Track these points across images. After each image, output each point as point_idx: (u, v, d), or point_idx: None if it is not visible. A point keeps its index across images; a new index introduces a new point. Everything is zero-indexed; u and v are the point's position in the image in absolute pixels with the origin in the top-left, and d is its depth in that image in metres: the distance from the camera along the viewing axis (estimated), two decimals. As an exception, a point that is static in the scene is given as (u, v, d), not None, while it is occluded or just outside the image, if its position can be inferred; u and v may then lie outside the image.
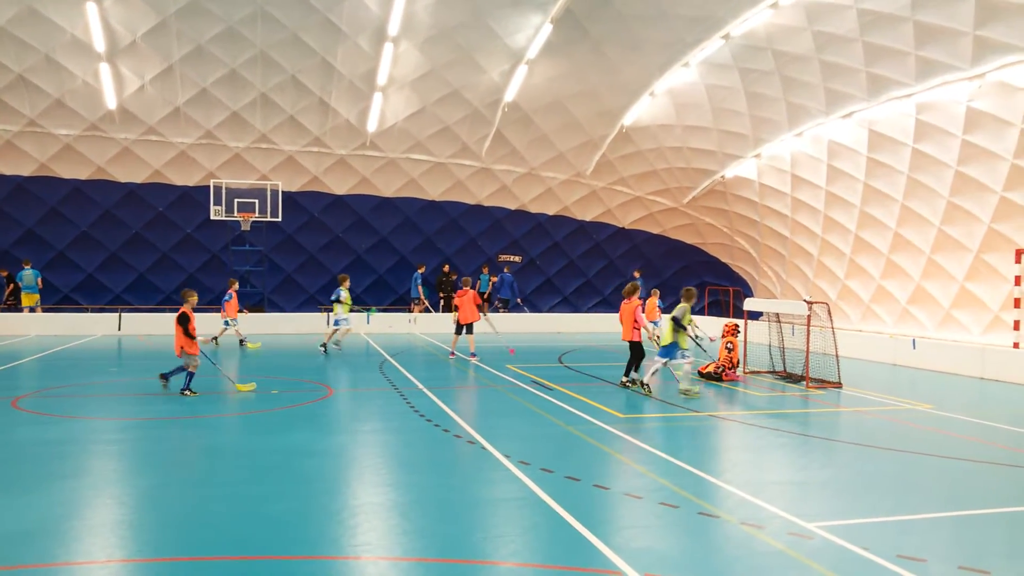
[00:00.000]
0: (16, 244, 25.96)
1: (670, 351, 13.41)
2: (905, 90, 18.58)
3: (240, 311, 21.73)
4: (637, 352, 14.13)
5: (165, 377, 13.02)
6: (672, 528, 6.41)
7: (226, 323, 20.83)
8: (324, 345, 19.67)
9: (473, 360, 18.01)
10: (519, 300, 29.60)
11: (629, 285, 14.56)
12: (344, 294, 19.68)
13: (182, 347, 12.45)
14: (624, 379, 14.31)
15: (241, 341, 21.23)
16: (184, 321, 12.44)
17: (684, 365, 13.35)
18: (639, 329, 14.11)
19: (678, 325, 13.30)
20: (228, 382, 13.39)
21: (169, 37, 21.15)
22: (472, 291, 18.73)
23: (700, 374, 15.60)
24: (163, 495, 7.16)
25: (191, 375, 12.53)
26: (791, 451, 9.58)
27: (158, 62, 22.11)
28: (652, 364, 13.75)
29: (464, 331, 18.40)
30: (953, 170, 19.18)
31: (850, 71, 19.11)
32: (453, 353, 18.90)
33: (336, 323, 19.68)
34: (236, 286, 21.54)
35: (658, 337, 14.62)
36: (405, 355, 19.27)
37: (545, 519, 6.54)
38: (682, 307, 13.48)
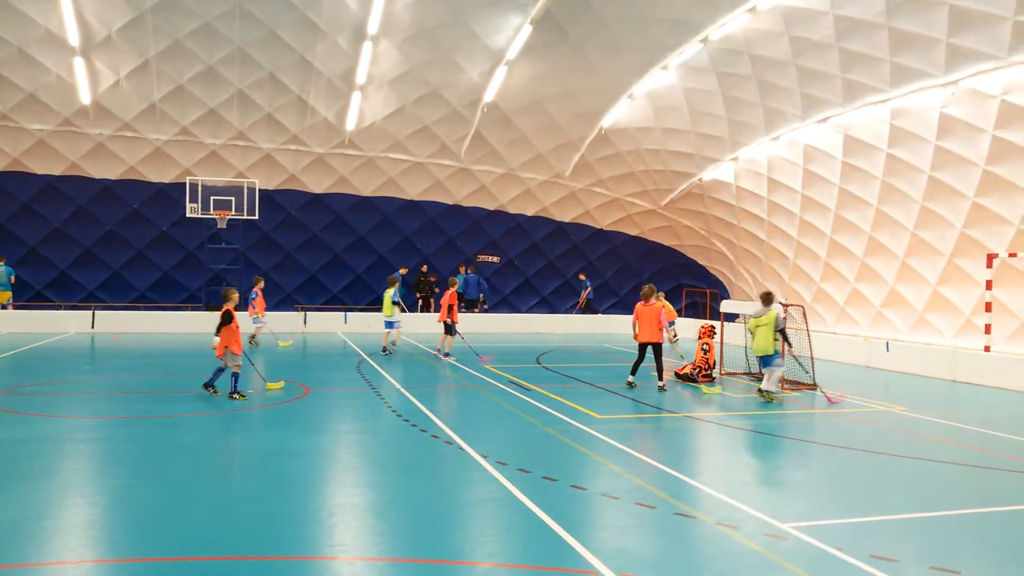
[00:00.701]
0: (-13, 240, 25.56)
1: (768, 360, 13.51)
2: (880, 96, 18.81)
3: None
4: (658, 352, 14.37)
5: (210, 385, 12.42)
6: (649, 529, 6.43)
7: (256, 320, 20.90)
8: (385, 348, 19.53)
9: (448, 359, 18.23)
10: (482, 300, 29.47)
11: (648, 287, 14.55)
12: (394, 296, 19.78)
13: (226, 347, 12.08)
14: (631, 379, 14.49)
15: (251, 338, 20.85)
16: (228, 319, 12.12)
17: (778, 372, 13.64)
18: (663, 330, 14.48)
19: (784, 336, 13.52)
20: (259, 380, 13.22)
21: (145, 32, 20.92)
22: (452, 291, 18.84)
23: (676, 375, 15.73)
24: (136, 495, 7.08)
25: (236, 376, 12.18)
26: (766, 452, 9.67)
27: (134, 57, 21.87)
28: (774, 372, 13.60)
29: (448, 331, 18.61)
30: (927, 175, 19.45)
31: (826, 76, 19.31)
32: (446, 354, 18.89)
33: (390, 325, 19.82)
34: (261, 284, 21.55)
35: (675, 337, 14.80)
36: (382, 355, 19.19)
37: (522, 520, 6.54)
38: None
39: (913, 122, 18.91)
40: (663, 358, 14.60)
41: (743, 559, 5.78)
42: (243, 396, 12.14)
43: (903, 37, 16.81)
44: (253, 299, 20.99)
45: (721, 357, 16.54)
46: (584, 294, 30.54)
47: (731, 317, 18.86)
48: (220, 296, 12.58)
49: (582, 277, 30.89)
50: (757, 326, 13.49)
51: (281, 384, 13.22)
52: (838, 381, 16.22)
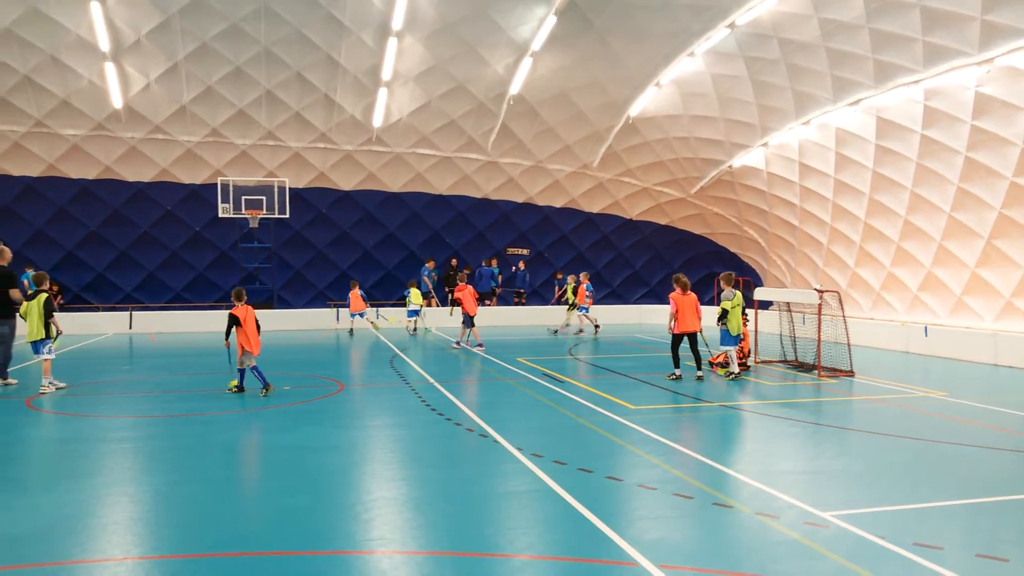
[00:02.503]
0: (26, 245, 26.05)
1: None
2: (913, 76, 18.45)
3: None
4: (695, 342, 14.19)
5: (240, 387, 12.64)
6: (687, 519, 6.39)
7: (354, 316, 23.83)
8: (459, 342, 20.11)
9: (457, 347, 18.97)
10: (496, 290, 29.37)
11: (684, 276, 14.32)
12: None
13: (242, 346, 12.27)
14: (677, 372, 14.12)
15: (351, 331, 24.10)
16: (235, 322, 12.35)
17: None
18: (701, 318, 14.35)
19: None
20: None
21: (174, 35, 21.17)
22: (470, 286, 19.73)
23: (710, 364, 15.59)
24: (177, 492, 7.18)
25: (243, 373, 12.53)
26: (804, 440, 9.55)
27: (163, 60, 22.13)
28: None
29: (469, 323, 19.16)
30: (962, 156, 19.06)
31: (857, 58, 18.99)
32: (458, 343, 19.51)
33: (413, 313, 23.66)
34: (357, 286, 24.27)
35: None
36: (416, 349, 19.28)
37: (559, 511, 6.53)
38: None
39: (948, 102, 18.53)
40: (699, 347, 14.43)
41: (783, 548, 5.72)
42: (242, 390, 12.45)
43: (935, 16, 16.47)
44: (356, 299, 23.77)
45: (756, 345, 16.37)
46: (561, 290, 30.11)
47: (765, 304, 18.65)
48: (236, 297, 12.81)
49: (559, 276, 30.24)
50: (734, 307, 14.27)
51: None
52: (876, 367, 15.99)
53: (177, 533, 6.10)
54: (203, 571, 5.33)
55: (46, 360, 12.75)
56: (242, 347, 12.28)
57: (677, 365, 14.20)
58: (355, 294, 23.83)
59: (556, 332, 24.33)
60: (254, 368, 12.35)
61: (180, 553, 5.64)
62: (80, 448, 8.99)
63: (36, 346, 12.78)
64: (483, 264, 29.12)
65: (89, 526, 6.25)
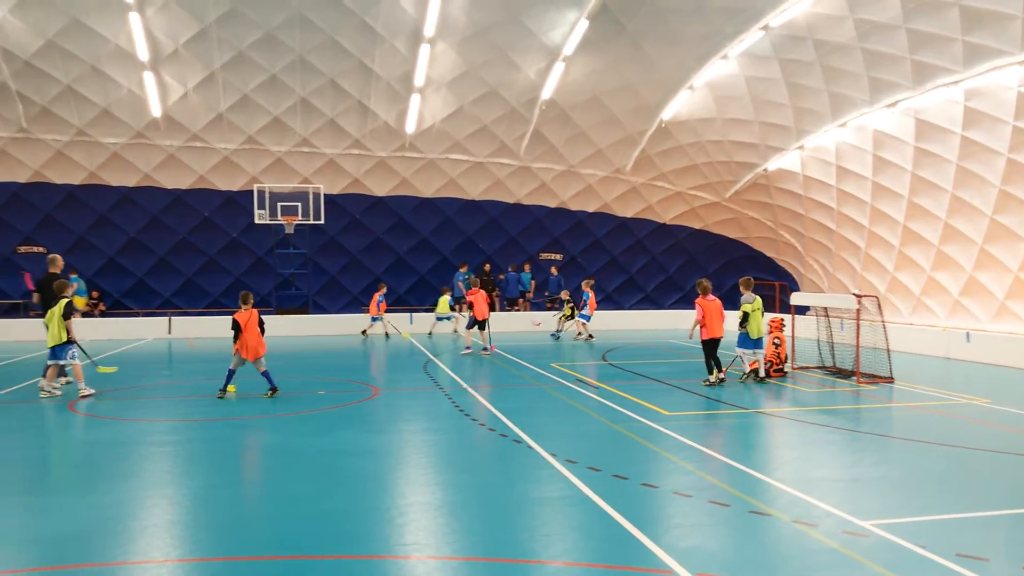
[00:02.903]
0: (68, 251, 26.58)
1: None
2: (952, 77, 18.11)
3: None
4: (716, 347, 14.13)
5: (272, 388, 12.81)
6: (723, 527, 6.32)
7: (372, 319, 24.34)
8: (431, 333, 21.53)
9: (487, 353, 19.22)
10: (527, 295, 29.34)
11: (706, 280, 14.31)
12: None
13: (238, 350, 12.57)
14: (721, 375, 14.10)
15: (363, 332, 24.79)
16: (261, 323, 12.75)
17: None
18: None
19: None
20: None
21: (210, 44, 21.50)
22: (483, 291, 20.13)
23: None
24: (215, 495, 7.26)
25: (232, 372, 12.78)
26: (843, 448, 9.41)
27: (200, 69, 22.49)
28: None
29: (480, 326, 19.64)
30: (1004, 157, 18.66)
31: (894, 59, 18.70)
32: (485, 349, 19.65)
33: (440, 319, 24.32)
34: (384, 290, 24.71)
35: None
36: (449, 354, 19.34)
37: (593, 518, 6.50)
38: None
39: (989, 102, 18.16)
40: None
41: (821, 557, 5.64)
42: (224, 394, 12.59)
43: (975, 15, 16.16)
44: (380, 302, 24.03)
45: (793, 351, 16.16)
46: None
47: (802, 310, 18.42)
48: (242, 300, 13.03)
49: (555, 271, 30.16)
50: (753, 310, 14.20)
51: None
52: (917, 373, 15.71)
53: (215, 536, 6.17)
54: (241, 574, 5.39)
55: (74, 364, 12.83)
56: (237, 351, 12.53)
57: (711, 372, 14.10)
58: (376, 297, 24.38)
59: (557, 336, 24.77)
60: (264, 372, 12.62)
61: (218, 556, 5.71)
62: (120, 451, 9.15)
63: (56, 351, 12.71)
64: (510, 269, 29.12)
65: (129, 528, 6.35)
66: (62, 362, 12.82)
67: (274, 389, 12.63)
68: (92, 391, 12.93)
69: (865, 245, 25.36)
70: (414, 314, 27.21)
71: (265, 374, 12.65)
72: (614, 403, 12.08)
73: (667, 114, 24.91)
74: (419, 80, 23.03)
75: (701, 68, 21.98)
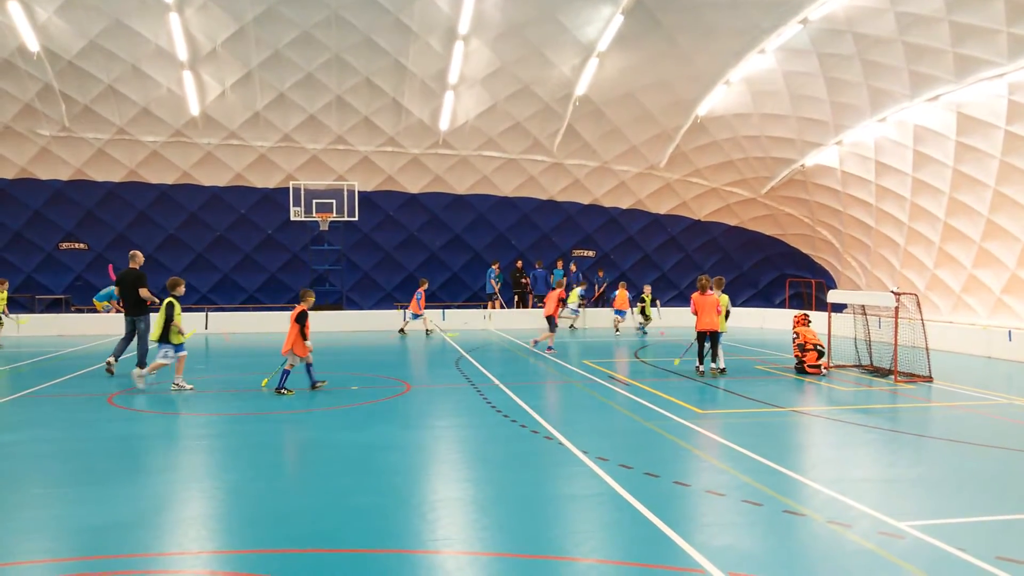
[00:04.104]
0: (108, 247, 27.12)
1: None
2: (996, 70, 17.72)
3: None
4: (715, 341, 15.07)
5: (315, 383, 13.07)
6: (756, 526, 6.25)
7: (414, 316, 23.87)
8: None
9: (546, 352, 18.78)
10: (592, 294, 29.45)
11: (704, 278, 15.11)
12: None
13: (292, 346, 12.67)
14: (713, 367, 15.01)
15: (428, 332, 24.16)
16: (301, 320, 12.68)
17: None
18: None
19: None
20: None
21: (248, 44, 21.77)
22: (560, 290, 19.74)
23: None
24: (250, 489, 7.36)
25: (287, 373, 12.77)
26: (879, 447, 9.26)
27: (238, 68, 22.78)
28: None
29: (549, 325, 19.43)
30: (1050, 152, 18.25)
31: (936, 52, 18.34)
32: (548, 346, 19.46)
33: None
34: (426, 285, 24.14)
35: None
36: (481, 351, 19.38)
37: (625, 515, 6.47)
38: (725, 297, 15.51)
39: (1034, 96, 17.76)
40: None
41: (857, 559, 5.55)
42: (290, 392, 12.62)
43: (1021, 6, 15.80)
44: (418, 299, 23.52)
45: (829, 349, 15.93)
46: (600, 289, 29.91)
47: (839, 307, 18.15)
48: (299, 296, 13.15)
49: (600, 273, 30.19)
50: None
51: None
52: (956, 372, 15.41)
53: (249, 528, 6.25)
54: (274, 566, 5.45)
55: (158, 362, 13.16)
56: (292, 347, 12.72)
57: (701, 361, 15.03)
58: (415, 295, 23.94)
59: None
60: (286, 370, 12.77)
61: (253, 548, 5.78)
62: (157, 444, 9.31)
63: (157, 347, 13.20)
64: (536, 267, 29.08)
65: (166, 520, 6.47)
66: (160, 361, 13.10)
67: (279, 387, 12.70)
68: (189, 387, 13.14)
69: (904, 242, 24.93)
70: (447, 310, 27.29)
71: (285, 372, 12.76)
72: (646, 400, 12.02)
73: (703, 110, 24.70)
74: (453, 77, 23.09)
75: (738, 63, 21.76)
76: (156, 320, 13.22)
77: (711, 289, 15.16)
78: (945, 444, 9.36)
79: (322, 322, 25.53)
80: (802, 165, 26.26)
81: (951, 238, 22.91)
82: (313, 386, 12.97)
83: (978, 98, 19.07)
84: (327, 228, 26.72)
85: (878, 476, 8.01)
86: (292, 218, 26.30)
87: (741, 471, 7.87)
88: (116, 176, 26.27)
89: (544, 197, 29.71)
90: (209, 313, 25.77)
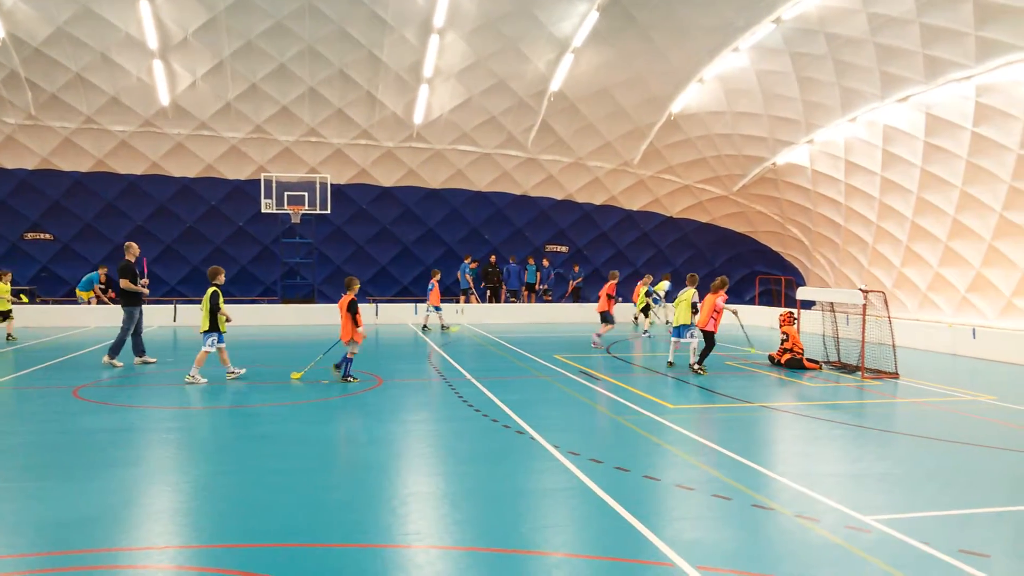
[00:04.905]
0: (75, 238, 26.70)
1: (681, 331, 15.26)
2: (964, 72, 18.00)
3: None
4: (710, 341, 14.96)
5: (338, 367, 13.54)
6: (725, 520, 6.30)
7: (429, 310, 23.21)
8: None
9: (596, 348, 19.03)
10: (544, 289, 29.45)
11: (719, 280, 15.01)
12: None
13: (351, 334, 13.01)
14: (696, 365, 14.82)
15: (443, 327, 23.52)
16: (352, 309, 12.99)
17: (693, 341, 15.04)
18: (714, 319, 14.91)
19: (694, 308, 15.10)
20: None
21: (219, 33, 21.50)
22: (611, 283, 19.51)
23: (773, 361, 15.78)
24: (218, 483, 7.28)
25: (350, 361, 13.20)
26: (847, 443, 9.38)
27: (209, 58, 22.49)
28: (671, 344, 15.64)
29: (603, 319, 19.33)
30: (1015, 154, 18.57)
31: (906, 53, 18.58)
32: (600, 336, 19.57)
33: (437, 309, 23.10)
34: (438, 276, 23.41)
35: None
36: (453, 345, 19.34)
37: (595, 510, 6.49)
38: (689, 291, 15.30)
39: (1000, 98, 18.05)
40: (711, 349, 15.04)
41: (824, 553, 5.62)
42: (355, 379, 13.14)
43: (988, 9, 16.04)
44: (430, 290, 23.05)
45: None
46: (573, 283, 30.08)
47: (808, 304, 18.36)
48: (344, 285, 13.53)
49: (576, 268, 30.34)
50: (679, 301, 15.32)
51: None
52: (922, 369, 15.66)
53: (218, 523, 6.19)
54: (243, 561, 5.40)
55: (203, 351, 13.24)
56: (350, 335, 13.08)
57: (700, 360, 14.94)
58: (430, 286, 23.33)
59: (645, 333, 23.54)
60: (349, 358, 13.21)
61: (220, 543, 5.72)
62: (124, 438, 9.17)
63: (203, 337, 13.29)
64: (511, 261, 29.11)
65: (132, 514, 6.38)
66: (206, 349, 13.20)
67: (346, 375, 13.20)
68: (241, 371, 13.60)
69: (872, 240, 25.27)
70: (419, 304, 27.20)
71: (348, 360, 13.24)
72: (617, 395, 12.07)
73: (676, 107, 24.83)
74: (428, 71, 22.99)
75: (711, 61, 21.90)
76: (202, 310, 13.33)
77: (710, 290, 15.17)
78: (911, 439, 9.50)
79: (293, 315, 25.34)
80: (773, 163, 26.51)
81: (918, 237, 23.26)
82: (345, 376, 13.26)
83: (946, 99, 19.36)
84: (299, 221, 26.52)
85: (845, 471, 8.11)
86: (263, 210, 26.07)
87: (711, 466, 7.93)
88: (83, 166, 25.83)
89: (518, 192, 29.71)
90: (178, 306, 25.47)
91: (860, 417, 11.07)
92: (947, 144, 20.28)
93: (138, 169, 26.32)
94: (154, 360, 15.34)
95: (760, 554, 5.61)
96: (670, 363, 15.45)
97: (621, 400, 11.69)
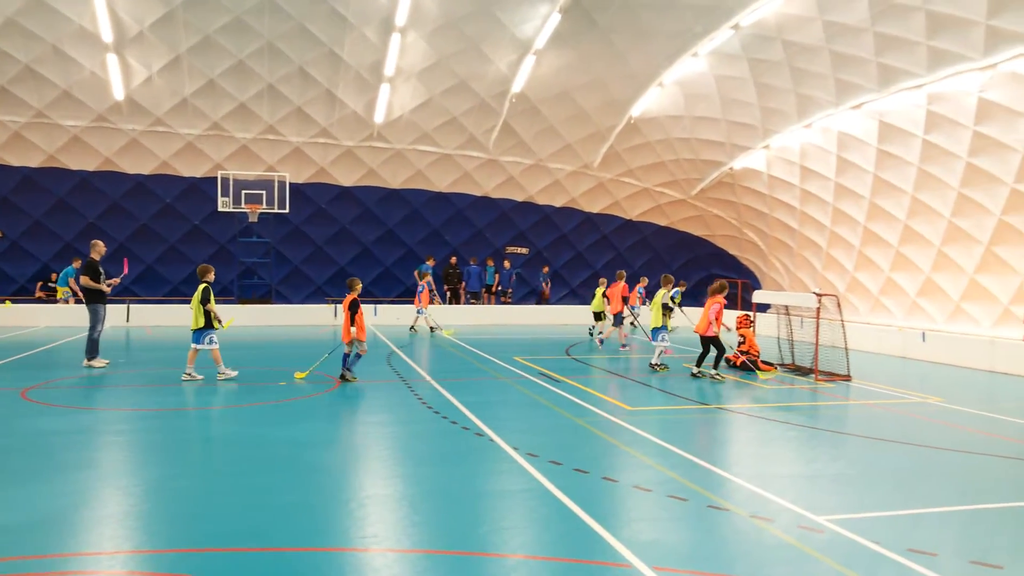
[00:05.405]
0: (24, 235, 26.03)
1: (655, 333, 15.56)
2: (916, 80, 18.43)
3: (431, 302, 24.22)
4: (718, 345, 14.59)
5: (349, 369, 13.44)
6: (681, 521, 6.37)
7: (419, 312, 23.08)
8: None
9: (623, 349, 19.36)
10: (501, 290, 29.51)
11: (717, 283, 14.81)
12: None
13: (354, 332, 13.06)
14: (707, 371, 14.72)
15: (432, 329, 23.18)
16: (354, 308, 13.01)
17: (664, 344, 15.42)
18: (711, 323, 14.54)
19: (666, 309, 15.46)
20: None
21: (176, 27, 21.12)
22: (623, 284, 19.62)
23: (732, 364, 15.96)
24: (171, 486, 7.15)
25: (359, 357, 13.34)
26: (800, 444, 9.54)
27: (165, 53, 22.08)
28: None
29: (614, 321, 19.63)
30: (964, 161, 19.06)
31: (860, 61, 18.97)
32: (622, 345, 19.76)
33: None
34: (428, 278, 23.64)
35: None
36: (412, 347, 19.26)
37: (554, 512, 6.51)
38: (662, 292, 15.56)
39: (950, 107, 18.52)
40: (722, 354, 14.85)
41: (778, 553, 5.71)
42: (354, 378, 13.28)
43: (940, 20, 16.45)
44: (420, 292, 23.03)
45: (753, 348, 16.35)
46: (546, 287, 30.29)
47: (763, 307, 18.63)
48: (346, 286, 13.64)
49: (545, 270, 30.56)
50: (653, 304, 15.81)
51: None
52: (873, 372, 15.98)
53: (170, 528, 6.08)
54: (195, 566, 5.31)
55: (193, 349, 13.22)
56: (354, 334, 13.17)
57: (704, 363, 14.88)
58: (419, 288, 23.19)
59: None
60: (359, 354, 13.35)
61: (172, 548, 5.62)
62: (74, 440, 8.96)
63: (194, 336, 13.19)
64: (470, 263, 29.11)
65: (82, 519, 6.23)
66: (200, 347, 13.12)
67: (346, 368, 13.32)
68: (233, 373, 13.34)
69: (826, 245, 25.75)
70: (378, 305, 27.04)
71: (344, 357, 13.34)
72: (577, 397, 12.13)
73: (636, 110, 25.03)
74: (389, 70, 22.85)
75: (671, 65, 22.12)
76: (193, 308, 13.26)
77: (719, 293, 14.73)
78: (862, 441, 9.70)
79: (249, 317, 25.01)
80: (731, 168, 26.87)
81: (870, 242, 23.76)
82: (343, 376, 13.31)
83: (898, 107, 19.80)
84: (256, 220, 26.17)
85: (799, 472, 8.25)
86: (220, 209, 25.67)
87: (668, 467, 8.00)
88: (33, 161, 25.17)
89: (479, 193, 29.69)
90: (131, 305, 24.97)
91: (813, 419, 11.27)
92: (899, 151, 20.75)
93: (91, 165, 25.74)
94: (106, 362, 14.99)
95: (715, 554, 5.68)
96: (652, 365, 15.48)
97: (580, 402, 11.74)
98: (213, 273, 13.69)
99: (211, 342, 13.17)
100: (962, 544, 6.02)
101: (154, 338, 21.03)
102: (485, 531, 6.10)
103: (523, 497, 6.94)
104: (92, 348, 14.84)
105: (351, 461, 8.36)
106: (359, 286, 13.58)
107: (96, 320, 14.93)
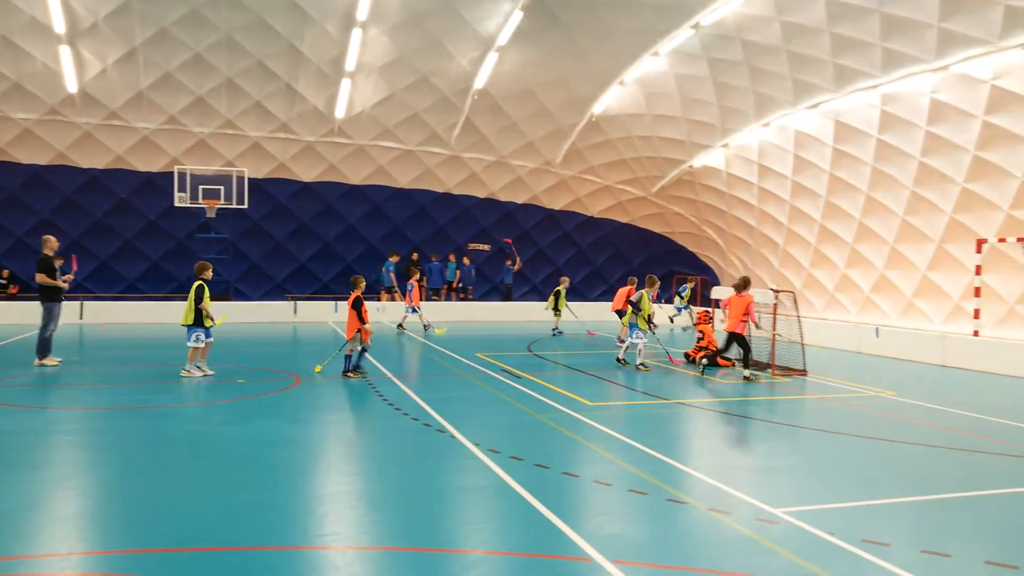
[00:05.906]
0: (-27, 231, 25.36)
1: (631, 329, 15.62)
2: (871, 81, 18.78)
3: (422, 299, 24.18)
4: (743, 344, 14.52)
5: (357, 367, 13.61)
6: (641, 515, 6.44)
7: (410, 310, 22.94)
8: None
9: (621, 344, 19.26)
10: (461, 287, 29.52)
11: (740, 279, 14.90)
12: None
13: (357, 329, 13.21)
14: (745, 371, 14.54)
15: (426, 327, 23.17)
16: (357, 306, 13.10)
17: (638, 343, 15.38)
18: (746, 321, 14.53)
19: (636, 308, 15.48)
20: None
21: (132, 19, 20.68)
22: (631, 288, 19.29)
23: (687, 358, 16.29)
24: (127, 486, 7.04)
25: (363, 353, 13.53)
26: (757, 438, 9.69)
27: (120, 45, 21.62)
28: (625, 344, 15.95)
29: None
30: (917, 161, 19.46)
31: (817, 62, 19.26)
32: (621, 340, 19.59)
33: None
34: (417, 276, 23.74)
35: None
36: (373, 343, 19.13)
37: (515, 507, 6.54)
38: (641, 293, 15.66)
39: (903, 107, 18.90)
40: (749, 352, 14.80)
41: (735, 545, 5.79)
42: (363, 374, 13.54)
43: (894, 22, 16.77)
44: (409, 290, 22.95)
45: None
46: (508, 280, 30.39)
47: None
48: (350, 284, 13.76)
49: (508, 263, 30.65)
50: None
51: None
52: (828, 366, 16.28)
53: (125, 528, 5.98)
54: (152, 566, 5.24)
55: (191, 348, 13.14)
56: (357, 330, 13.34)
57: (745, 365, 14.65)
58: (409, 287, 23.11)
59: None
60: (361, 351, 13.58)
61: (128, 548, 5.53)
62: (25, 440, 8.76)
63: (187, 332, 13.11)
64: (432, 260, 29.03)
65: (34, 520, 6.10)
66: (189, 344, 13.08)
67: (345, 372, 13.46)
68: (198, 374, 13.18)
69: (783, 242, 26.13)
70: (339, 302, 26.83)
71: (347, 357, 13.50)
72: (538, 393, 12.17)
73: (598, 108, 25.14)
74: (350, 65, 22.65)
75: (632, 64, 22.23)
76: (186, 304, 13.20)
77: (744, 289, 14.74)
78: (818, 434, 9.88)
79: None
80: (690, 166, 27.13)
81: (826, 239, 24.17)
82: (354, 372, 13.43)
83: (854, 107, 20.14)
84: (214, 215, 25.79)
85: (756, 465, 8.38)
86: (176, 204, 25.22)
87: (628, 461, 8.07)
88: (-18, 154, 24.55)
89: (441, 190, 29.59)
90: (84, 302, 24.46)
91: (771, 413, 11.45)
92: (854, 150, 21.12)
93: (43, 159, 25.13)
94: (59, 360, 14.68)
95: (675, 547, 5.75)
96: (640, 365, 15.31)
97: (542, 398, 11.79)
98: (211, 271, 13.56)
99: (197, 340, 13.06)
100: (914, 534, 6.17)
101: (108, 335, 20.64)
102: (447, 527, 6.10)
103: (484, 493, 6.95)
104: (43, 347, 14.56)
105: (311, 459, 8.30)
106: (363, 284, 13.67)
107: (49, 319, 14.66)
